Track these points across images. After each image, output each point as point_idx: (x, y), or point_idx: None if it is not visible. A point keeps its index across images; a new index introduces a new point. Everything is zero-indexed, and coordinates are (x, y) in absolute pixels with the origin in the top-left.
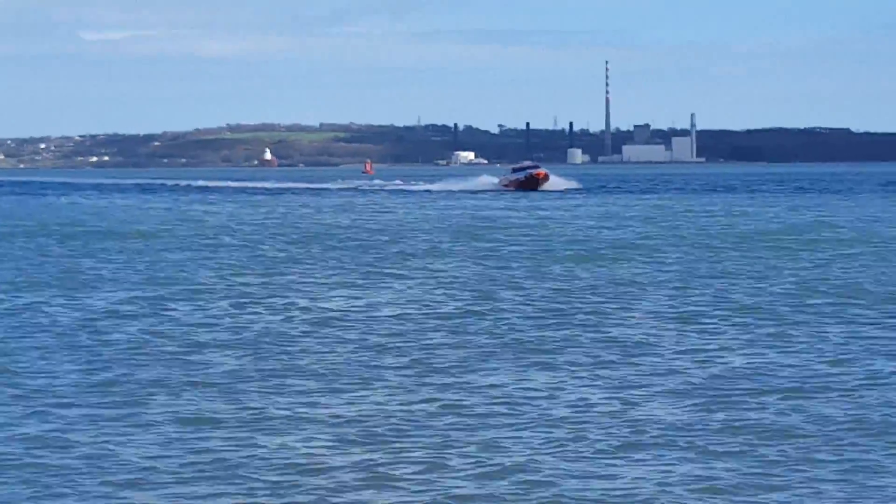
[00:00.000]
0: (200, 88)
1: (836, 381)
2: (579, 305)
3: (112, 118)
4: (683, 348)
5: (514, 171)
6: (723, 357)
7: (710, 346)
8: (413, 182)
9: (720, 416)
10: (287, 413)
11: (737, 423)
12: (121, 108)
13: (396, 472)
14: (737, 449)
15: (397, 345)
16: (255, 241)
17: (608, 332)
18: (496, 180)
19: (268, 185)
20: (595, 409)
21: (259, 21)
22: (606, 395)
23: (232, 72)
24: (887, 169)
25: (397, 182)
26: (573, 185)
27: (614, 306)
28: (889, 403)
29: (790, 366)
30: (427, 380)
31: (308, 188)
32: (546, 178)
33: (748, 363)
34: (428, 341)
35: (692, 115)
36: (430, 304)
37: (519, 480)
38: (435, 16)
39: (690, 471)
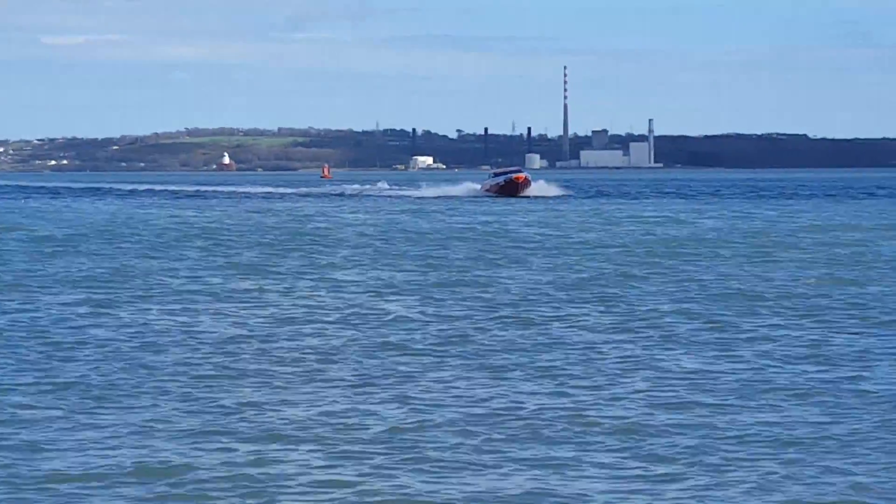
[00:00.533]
0: (160, 93)
1: (746, 383)
2: (508, 309)
3: (71, 122)
4: (606, 351)
5: (496, 175)
6: (659, 361)
7: (636, 349)
8: (404, 187)
9: (661, 417)
10: (227, 415)
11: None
12: (80, 112)
13: (338, 475)
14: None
15: (332, 348)
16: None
17: (547, 334)
18: (478, 186)
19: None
20: (539, 410)
21: (218, 27)
22: (550, 397)
23: (191, 77)
24: (843, 175)
25: (382, 185)
26: (559, 190)
27: (541, 309)
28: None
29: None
30: (364, 382)
31: (301, 194)
32: (527, 182)
33: (688, 367)
34: (364, 343)
35: (650, 120)
36: (366, 306)
37: (458, 480)
38: (393, 22)
39: (612, 471)
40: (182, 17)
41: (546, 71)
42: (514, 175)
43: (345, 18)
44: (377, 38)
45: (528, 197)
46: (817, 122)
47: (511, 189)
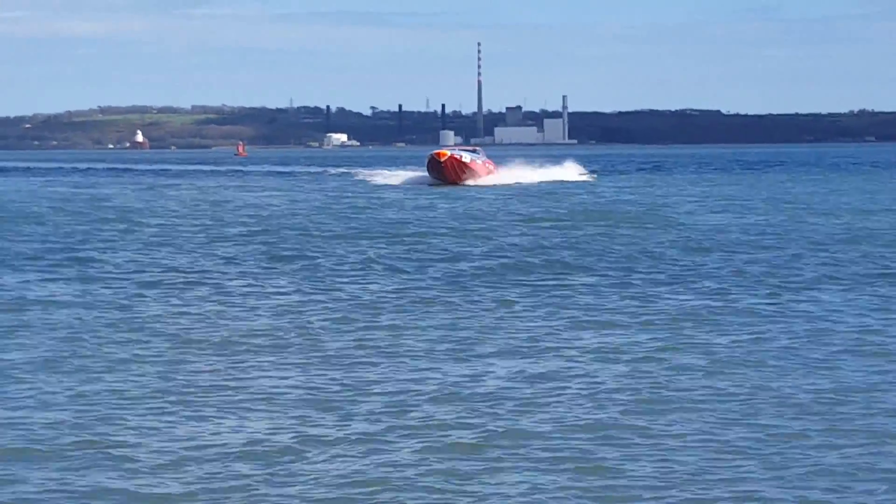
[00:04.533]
0: (71, 70)
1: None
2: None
3: None
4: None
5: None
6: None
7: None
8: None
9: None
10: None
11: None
12: None
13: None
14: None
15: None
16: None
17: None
18: None
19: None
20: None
21: (127, 2)
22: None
23: (103, 53)
24: (754, 150)
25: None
26: (572, 171)
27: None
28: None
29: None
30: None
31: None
32: (456, 164)
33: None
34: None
35: (564, 97)
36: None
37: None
38: None
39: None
40: None
41: (459, 47)
42: (435, 152)
43: None
44: (289, 13)
45: (474, 187)
46: (730, 97)
47: (436, 170)
